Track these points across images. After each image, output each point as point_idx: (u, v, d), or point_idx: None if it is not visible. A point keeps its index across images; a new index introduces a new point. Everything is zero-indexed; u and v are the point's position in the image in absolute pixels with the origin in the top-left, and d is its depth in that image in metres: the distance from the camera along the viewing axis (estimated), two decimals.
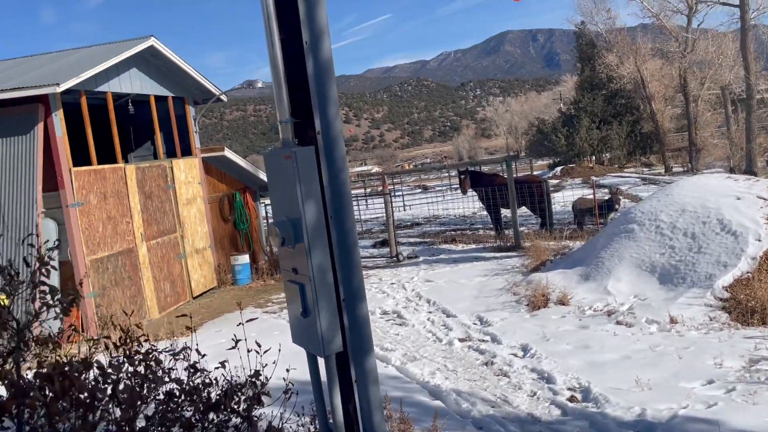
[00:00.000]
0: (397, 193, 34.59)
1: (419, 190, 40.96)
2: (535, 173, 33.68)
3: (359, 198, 29.41)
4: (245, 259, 12.10)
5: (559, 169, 42.20)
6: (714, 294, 6.11)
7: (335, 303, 2.25)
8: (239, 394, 2.41)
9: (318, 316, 2.18)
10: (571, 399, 4.64)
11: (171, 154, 11.47)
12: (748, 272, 6.16)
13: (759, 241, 6.40)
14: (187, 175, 11.50)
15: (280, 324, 7.98)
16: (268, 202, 18.69)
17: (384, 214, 13.40)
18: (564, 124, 46.91)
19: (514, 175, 13.74)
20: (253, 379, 2.46)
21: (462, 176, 14.90)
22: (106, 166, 9.40)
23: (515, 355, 5.85)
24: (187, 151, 11.75)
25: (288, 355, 3.02)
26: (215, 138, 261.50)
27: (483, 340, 6.45)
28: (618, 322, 6.21)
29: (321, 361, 2.25)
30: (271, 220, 14.45)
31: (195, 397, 2.31)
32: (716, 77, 39.09)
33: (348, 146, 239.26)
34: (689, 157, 39.09)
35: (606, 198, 13.25)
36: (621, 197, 13.13)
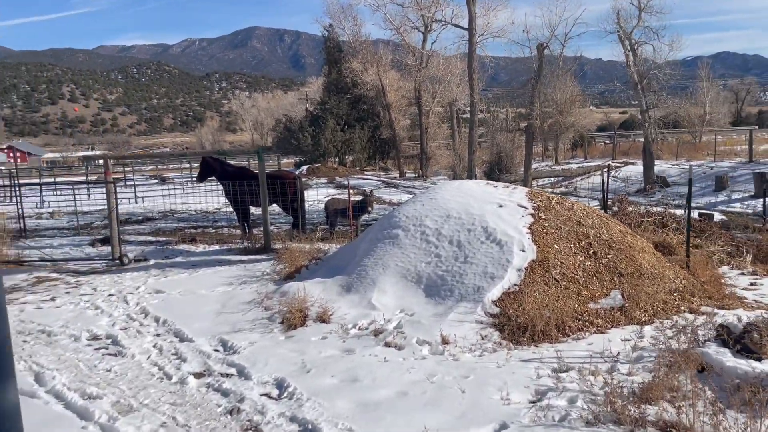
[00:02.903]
0: (128, 183, 30.67)
1: (155, 181, 37.22)
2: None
3: (79, 186, 25.16)
4: None
5: (305, 167, 42.24)
6: (484, 309, 5.65)
7: None
8: None
9: None
10: None
11: None
12: (515, 285, 5.84)
13: (523, 251, 6.16)
14: None
15: None
16: None
17: (107, 207, 10.96)
18: (311, 123, 47.26)
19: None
20: None
21: (204, 164, 13.17)
22: None
23: (269, 395, 4.58)
24: None
25: None
26: None
27: (227, 375, 5.04)
28: (387, 344, 5.36)
29: None
30: None
31: None
32: (445, 93, 43.20)
33: (73, 128, 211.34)
34: (420, 164, 42.51)
35: (359, 200, 12.81)
36: (373, 200, 12.80)
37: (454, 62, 42.05)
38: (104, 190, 10.88)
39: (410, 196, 22.32)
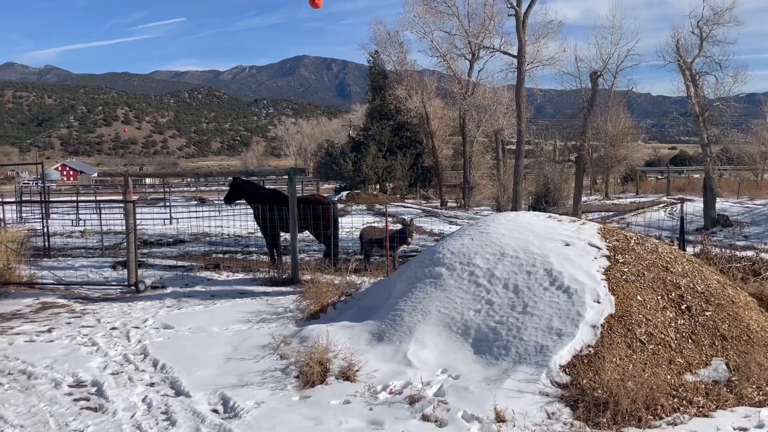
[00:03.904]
0: (166, 204, 30.42)
1: (195, 202, 37.06)
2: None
3: (112, 206, 24.85)
4: None
5: (345, 193, 41.57)
6: (550, 377, 4.47)
7: None
8: None
9: None
10: None
11: None
12: (589, 346, 4.64)
13: (598, 302, 4.97)
14: None
15: None
16: None
17: (125, 228, 10.16)
18: (353, 149, 46.74)
19: (299, 194, 11.59)
20: None
21: (233, 185, 12.38)
22: None
23: None
24: None
25: None
26: None
27: None
28: (425, 417, 4.22)
29: None
30: None
31: None
32: (491, 122, 42.09)
33: (125, 148, 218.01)
34: (462, 193, 41.25)
35: (398, 229, 11.75)
36: (413, 230, 11.72)
37: (501, 91, 41.02)
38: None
39: (452, 227, 21.17)
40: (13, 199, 23.12)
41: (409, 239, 11.15)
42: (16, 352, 6.13)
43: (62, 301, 8.66)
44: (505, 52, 34.52)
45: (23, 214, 21.60)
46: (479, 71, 39.65)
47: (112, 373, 5.49)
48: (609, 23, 29.53)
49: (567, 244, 5.73)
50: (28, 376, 5.42)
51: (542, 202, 32.93)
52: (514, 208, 32.71)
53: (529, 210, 31.75)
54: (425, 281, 5.91)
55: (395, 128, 47.13)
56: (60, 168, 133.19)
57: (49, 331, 6.95)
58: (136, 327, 7.10)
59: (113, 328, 7.07)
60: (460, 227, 7.07)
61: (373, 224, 14.48)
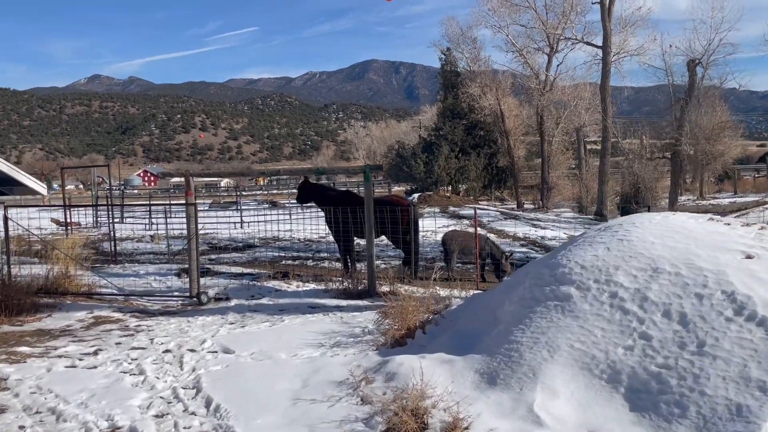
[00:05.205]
0: (238, 207, 30.15)
1: (266, 206, 36.82)
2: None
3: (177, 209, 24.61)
4: None
5: (416, 195, 40.28)
6: None
7: None
8: None
9: None
10: None
11: None
12: None
13: None
14: None
15: None
16: (8, 202, 13.63)
17: (187, 232, 9.28)
18: (424, 150, 45.40)
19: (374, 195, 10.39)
20: None
21: (301, 189, 11.38)
22: None
23: None
24: None
25: None
26: (51, 132, 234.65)
27: None
28: None
29: None
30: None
31: None
32: (571, 119, 39.68)
33: (202, 154, 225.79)
34: (540, 194, 39.00)
35: (486, 237, 10.39)
36: (509, 257, 10.28)
37: (583, 86, 38.60)
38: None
39: (537, 230, 19.37)
40: (89, 203, 23.30)
41: (507, 274, 9.80)
42: (52, 381, 5.19)
43: (117, 315, 7.82)
44: (588, 43, 32.25)
45: (99, 218, 21.62)
46: (558, 65, 37.38)
47: (156, 416, 4.42)
48: (709, 5, 26.88)
49: (749, 257, 4.21)
50: (57, 417, 4.43)
51: (632, 203, 30.45)
52: (600, 210, 30.38)
53: (617, 212, 29.43)
54: (547, 304, 4.52)
55: (468, 127, 45.43)
56: (141, 174, 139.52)
57: (95, 353, 6.03)
58: (192, 350, 6.07)
59: (166, 351, 6.07)
60: (583, 232, 5.61)
61: (455, 228, 13.11)
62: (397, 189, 49.94)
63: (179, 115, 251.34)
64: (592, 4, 30.90)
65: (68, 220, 17.36)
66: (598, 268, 4.54)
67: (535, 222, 22.92)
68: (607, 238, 4.87)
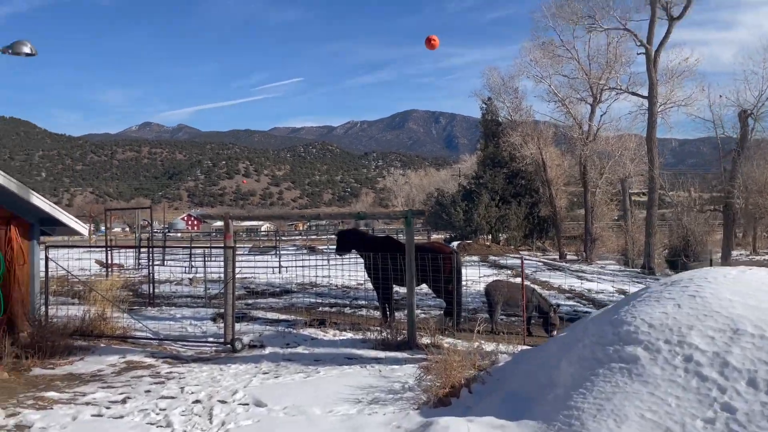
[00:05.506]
0: (277, 252, 30.19)
1: (305, 251, 36.81)
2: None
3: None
4: None
5: (455, 243, 39.73)
6: None
7: None
8: None
9: None
10: None
11: None
12: None
13: None
14: None
15: None
16: (52, 242, 13.77)
17: (223, 276, 9.10)
18: (464, 198, 45.05)
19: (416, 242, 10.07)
20: None
21: (340, 237, 11.15)
22: None
23: None
24: None
25: None
26: (102, 176, 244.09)
27: None
28: None
29: None
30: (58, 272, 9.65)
31: None
32: (616, 169, 38.87)
33: (244, 200, 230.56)
34: (584, 245, 37.95)
35: (533, 290, 9.91)
36: (557, 317, 9.78)
37: (627, 136, 37.90)
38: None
39: (583, 282, 18.63)
40: (132, 245, 23.65)
41: (555, 328, 9.29)
42: (76, 431, 4.94)
43: (149, 360, 7.60)
44: (634, 93, 31.82)
45: (140, 260, 21.83)
46: (602, 115, 36.94)
47: None
48: (761, 56, 26.26)
49: None
50: None
51: (681, 256, 29.25)
52: (647, 263, 29.29)
53: (665, 266, 28.28)
54: (611, 366, 4.08)
55: (509, 176, 45.02)
56: (185, 218, 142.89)
57: (123, 402, 5.77)
58: (222, 401, 5.76)
59: (196, 401, 5.78)
60: (645, 287, 5.15)
61: (499, 279, 12.63)
62: (436, 236, 49.49)
63: (224, 162, 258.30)
64: (637, 54, 30.66)
65: (110, 262, 17.53)
66: (668, 327, 4.09)
67: (580, 274, 22.13)
68: (676, 293, 4.42)
